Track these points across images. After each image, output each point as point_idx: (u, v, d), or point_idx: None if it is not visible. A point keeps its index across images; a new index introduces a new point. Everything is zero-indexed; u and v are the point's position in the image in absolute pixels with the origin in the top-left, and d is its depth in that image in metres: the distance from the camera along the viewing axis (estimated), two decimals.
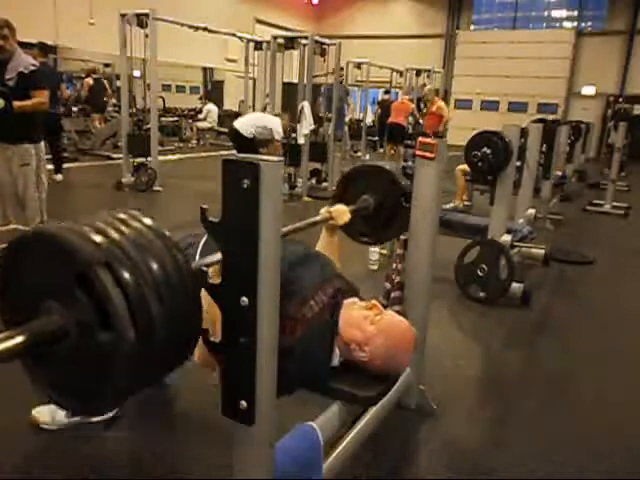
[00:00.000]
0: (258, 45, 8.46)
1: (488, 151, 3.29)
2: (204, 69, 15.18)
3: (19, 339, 0.77)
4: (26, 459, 1.77)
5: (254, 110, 9.04)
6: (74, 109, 9.97)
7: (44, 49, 6.42)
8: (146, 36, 6.18)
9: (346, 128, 8.22)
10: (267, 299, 1.01)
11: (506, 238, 3.46)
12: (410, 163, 2.06)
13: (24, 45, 3.84)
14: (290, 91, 7.59)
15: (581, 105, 15.65)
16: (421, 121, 10.11)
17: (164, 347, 0.85)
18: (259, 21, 16.19)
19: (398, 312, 1.72)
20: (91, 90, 9.66)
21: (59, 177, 6.57)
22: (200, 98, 13.77)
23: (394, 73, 12.76)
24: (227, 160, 0.98)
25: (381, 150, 12.00)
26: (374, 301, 1.55)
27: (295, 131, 6.70)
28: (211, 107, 11.91)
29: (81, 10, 10.79)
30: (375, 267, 3.91)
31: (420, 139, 1.90)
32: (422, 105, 10.39)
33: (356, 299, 1.57)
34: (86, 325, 0.81)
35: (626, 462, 1.95)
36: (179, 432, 2.00)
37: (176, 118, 12.39)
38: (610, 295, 3.92)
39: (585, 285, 4.13)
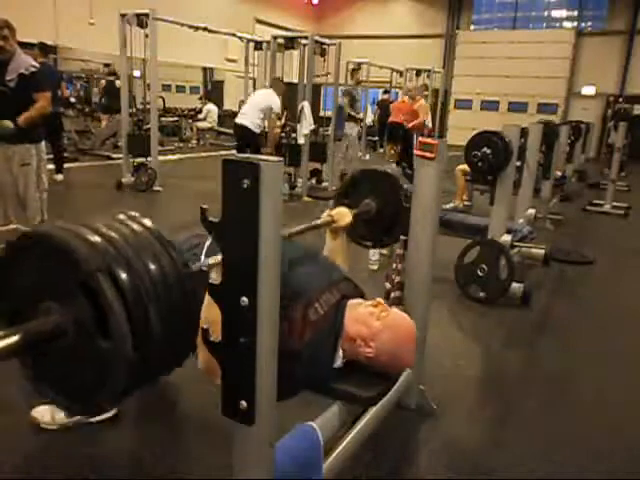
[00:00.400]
0: (258, 45, 8.47)
1: (488, 151, 3.29)
2: (204, 69, 15.17)
3: (15, 338, 0.77)
4: (26, 459, 1.77)
5: None
6: (78, 107, 9.96)
7: (44, 49, 6.42)
8: (146, 36, 6.18)
9: (356, 130, 8.37)
10: (267, 299, 1.01)
11: (506, 238, 3.46)
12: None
13: (24, 45, 3.84)
14: (290, 91, 7.60)
15: (581, 105, 15.65)
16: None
17: (161, 348, 0.85)
18: (259, 21, 16.18)
19: None
20: (105, 91, 9.61)
21: (60, 177, 6.57)
22: (200, 98, 13.76)
23: (394, 73, 12.76)
24: (227, 160, 0.98)
25: (381, 150, 12.01)
26: (379, 299, 1.56)
27: (295, 131, 6.70)
28: (211, 107, 11.92)
29: (81, 10, 10.79)
30: (375, 267, 3.91)
31: (420, 139, 1.91)
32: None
33: (360, 299, 1.58)
34: (84, 327, 0.82)
35: (626, 462, 1.95)
36: (179, 432, 2.00)
37: (176, 118, 12.39)
38: (610, 295, 3.92)
39: (585, 285, 4.13)
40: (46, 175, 3.72)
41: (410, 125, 8.00)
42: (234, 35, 8.53)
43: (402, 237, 2.04)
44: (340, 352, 1.49)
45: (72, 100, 9.76)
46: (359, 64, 9.74)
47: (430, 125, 10.50)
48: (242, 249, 0.99)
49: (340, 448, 1.46)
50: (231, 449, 1.15)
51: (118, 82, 9.12)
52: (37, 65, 3.50)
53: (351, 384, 1.48)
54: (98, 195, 6.36)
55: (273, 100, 6.03)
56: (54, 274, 0.84)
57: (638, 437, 2.14)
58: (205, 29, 7.45)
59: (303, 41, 6.83)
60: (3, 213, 3.66)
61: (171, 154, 10.08)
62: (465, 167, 5.26)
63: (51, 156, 5.84)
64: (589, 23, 16.31)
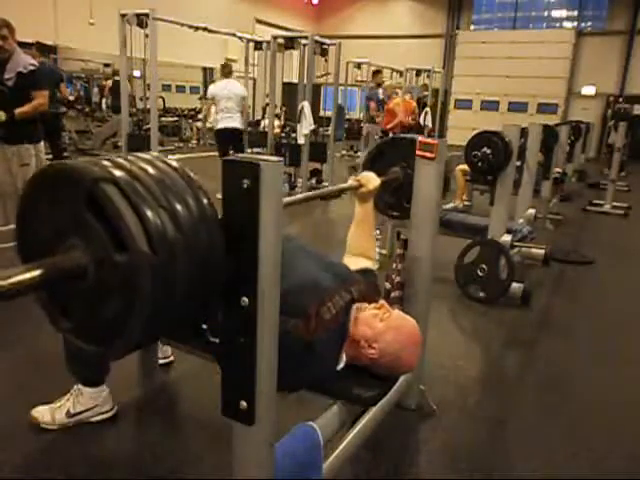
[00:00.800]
0: (258, 45, 8.45)
1: (488, 151, 3.29)
2: (204, 69, 15.15)
3: (36, 272, 0.76)
4: (26, 459, 1.77)
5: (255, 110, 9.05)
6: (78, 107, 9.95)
7: (41, 49, 6.42)
8: (146, 36, 6.16)
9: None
10: (267, 299, 1.01)
11: (506, 238, 3.46)
12: None
13: (24, 45, 3.83)
14: (290, 91, 7.60)
15: (581, 105, 15.64)
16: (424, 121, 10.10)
17: (185, 279, 0.82)
18: (259, 21, 16.17)
19: None
20: (113, 92, 9.60)
21: None
22: (200, 98, 13.75)
23: (394, 73, 12.75)
24: (227, 160, 0.98)
25: None
26: (382, 301, 1.56)
27: (295, 131, 6.70)
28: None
29: (81, 10, 10.78)
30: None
31: (420, 139, 1.90)
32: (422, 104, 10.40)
33: (365, 303, 1.58)
34: (103, 254, 0.79)
35: (626, 462, 1.95)
36: (179, 432, 1.99)
37: (176, 118, 12.39)
38: (610, 295, 3.92)
39: (585, 285, 4.13)
40: None
41: (388, 127, 7.91)
42: (234, 35, 8.51)
43: (402, 237, 2.04)
44: (344, 355, 1.50)
45: (71, 99, 9.75)
46: (376, 68, 9.72)
47: (430, 125, 10.50)
48: (242, 249, 0.99)
49: (340, 448, 1.46)
50: (231, 449, 1.15)
51: None
52: (36, 64, 3.50)
53: (351, 384, 1.48)
54: None
55: (241, 88, 6.04)
56: (68, 202, 0.82)
57: (638, 437, 2.14)
58: (205, 29, 7.44)
59: (303, 41, 6.83)
60: (2, 213, 3.65)
61: (171, 154, 10.07)
62: (465, 167, 5.25)
63: (50, 156, 5.83)
64: (589, 23, 16.30)
